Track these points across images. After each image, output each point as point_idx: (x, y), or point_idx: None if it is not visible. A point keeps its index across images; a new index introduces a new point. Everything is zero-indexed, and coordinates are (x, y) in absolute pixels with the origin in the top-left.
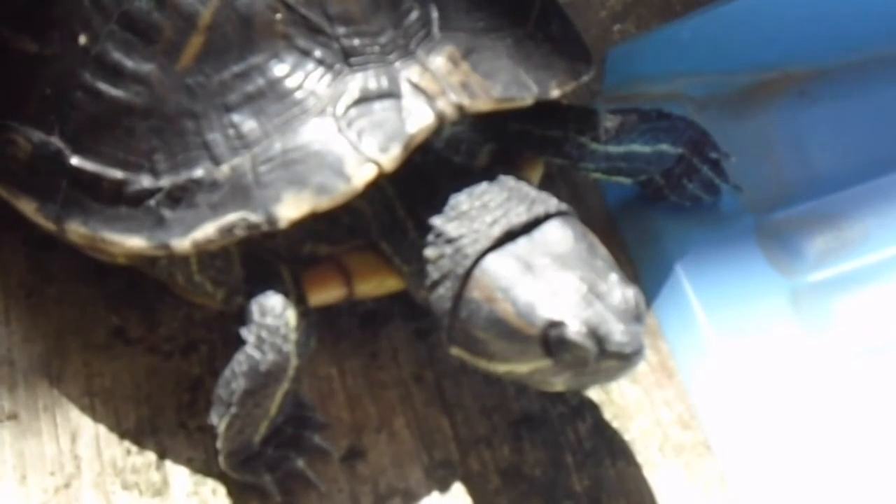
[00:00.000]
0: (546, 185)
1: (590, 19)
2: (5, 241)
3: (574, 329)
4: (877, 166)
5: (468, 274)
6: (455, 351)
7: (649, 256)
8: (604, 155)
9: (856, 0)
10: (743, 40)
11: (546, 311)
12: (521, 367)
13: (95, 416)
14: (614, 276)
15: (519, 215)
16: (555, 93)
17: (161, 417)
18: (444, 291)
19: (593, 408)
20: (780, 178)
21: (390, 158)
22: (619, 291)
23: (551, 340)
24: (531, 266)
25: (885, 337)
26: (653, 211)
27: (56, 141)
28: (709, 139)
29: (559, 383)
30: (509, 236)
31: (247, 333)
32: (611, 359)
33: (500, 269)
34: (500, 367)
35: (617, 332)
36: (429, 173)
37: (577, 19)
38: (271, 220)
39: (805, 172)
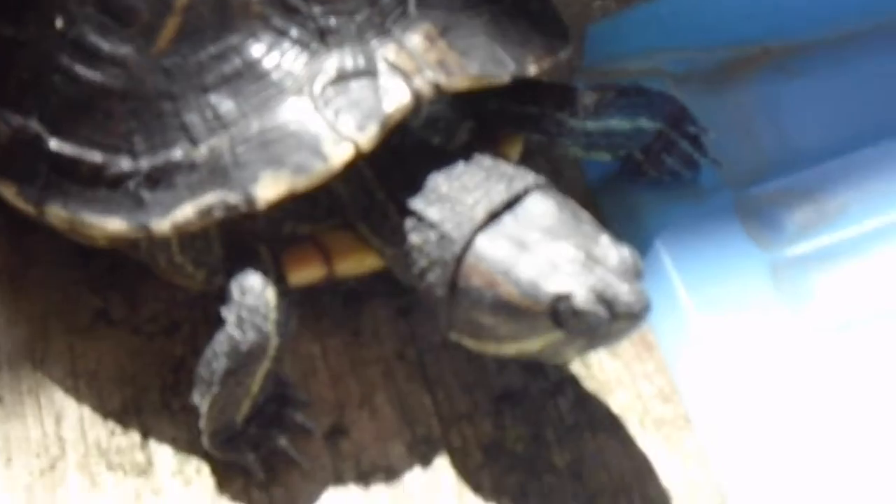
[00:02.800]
0: (525, 161)
1: None
2: None
3: (582, 298)
4: (855, 140)
5: (459, 260)
6: (456, 337)
7: (629, 232)
8: (582, 131)
9: None
10: (722, 16)
11: (551, 285)
12: (533, 345)
13: (79, 398)
14: (605, 238)
15: (500, 193)
16: (532, 70)
17: (145, 398)
18: (435, 279)
19: (574, 382)
20: (758, 152)
21: (368, 137)
22: (615, 252)
23: (561, 313)
24: (524, 243)
25: (865, 310)
26: (632, 186)
27: (34, 125)
28: (687, 114)
29: (572, 352)
30: (493, 216)
31: (227, 313)
32: (622, 320)
33: (495, 251)
34: (510, 348)
35: (624, 293)
36: (405, 155)
37: None
38: (249, 201)
39: (784, 147)
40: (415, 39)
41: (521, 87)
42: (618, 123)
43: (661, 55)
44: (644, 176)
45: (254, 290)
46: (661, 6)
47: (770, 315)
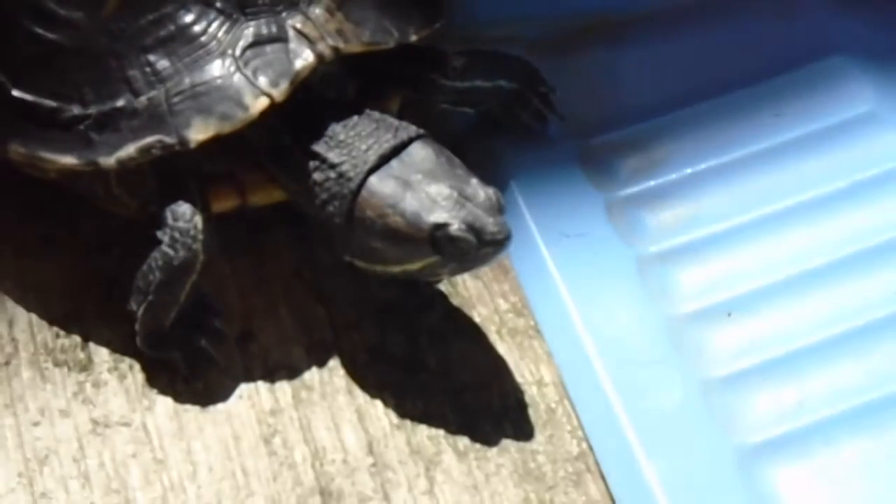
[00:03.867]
0: (403, 114)
1: None
2: None
3: (456, 227)
4: (679, 100)
5: (355, 195)
6: (350, 259)
7: (489, 176)
8: (451, 90)
9: None
10: None
11: (431, 216)
12: (414, 266)
13: (28, 307)
14: (475, 180)
15: (388, 141)
16: (413, 38)
17: (84, 307)
18: (334, 210)
19: (443, 298)
20: (598, 109)
21: (280, 91)
22: (482, 192)
23: (438, 240)
24: (408, 182)
25: (681, 237)
26: (492, 137)
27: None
28: (539, 76)
29: (446, 273)
30: (382, 160)
31: (162, 235)
32: (488, 246)
33: (384, 188)
34: (395, 269)
35: (489, 225)
36: (308, 108)
37: None
38: (183, 142)
39: (619, 104)
40: (318, 12)
41: (402, 52)
42: (481, 83)
43: (516, 24)
44: (502, 128)
45: (185, 215)
46: None
47: (605, 243)
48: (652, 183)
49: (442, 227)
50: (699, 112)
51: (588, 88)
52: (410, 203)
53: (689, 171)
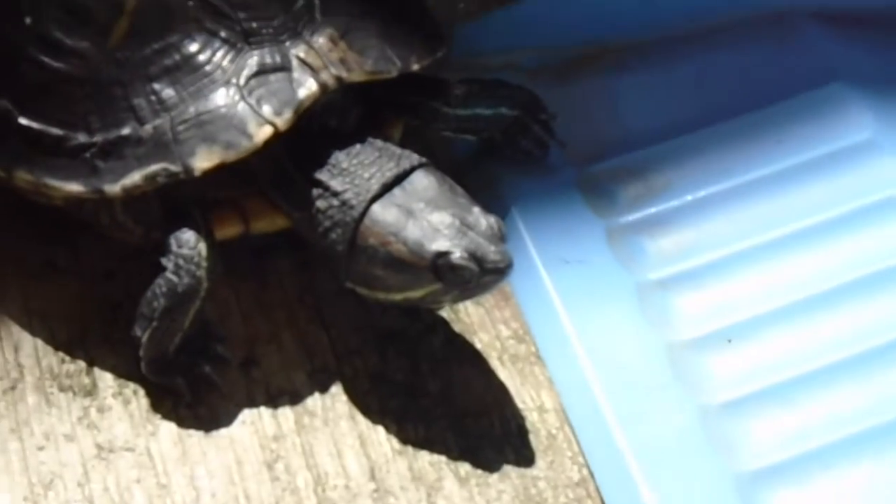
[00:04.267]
0: (405, 141)
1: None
2: None
3: (458, 255)
4: (678, 127)
5: (357, 223)
6: (352, 286)
7: (490, 202)
8: (453, 117)
9: None
10: (569, 19)
11: (433, 245)
12: (416, 293)
13: (33, 332)
14: (477, 209)
15: (391, 170)
16: (415, 66)
17: (89, 333)
18: (337, 237)
19: (445, 324)
20: (598, 136)
21: (284, 120)
22: (484, 220)
23: (440, 268)
24: (411, 211)
25: (682, 264)
26: (492, 163)
27: (6, 103)
28: (539, 103)
29: (448, 300)
30: (385, 188)
31: (166, 262)
32: (489, 274)
33: (387, 217)
34: (397, 296)
35: (490, 253)
36: (311, 136)
37: None
38: (188, 170)
39: (619, 131)
40: (321, 41)
41: (404, 80)
42: (482, 111)
43: (516, 52)
44: (503, 155)
45: (189, 242)
46: (516, 11)
47: (605, 270)
48: (652, 209)
49: (444, 255)
50: (699, 139)
51: (589, 115)
52: (413, 231)
53: (689, 197)
